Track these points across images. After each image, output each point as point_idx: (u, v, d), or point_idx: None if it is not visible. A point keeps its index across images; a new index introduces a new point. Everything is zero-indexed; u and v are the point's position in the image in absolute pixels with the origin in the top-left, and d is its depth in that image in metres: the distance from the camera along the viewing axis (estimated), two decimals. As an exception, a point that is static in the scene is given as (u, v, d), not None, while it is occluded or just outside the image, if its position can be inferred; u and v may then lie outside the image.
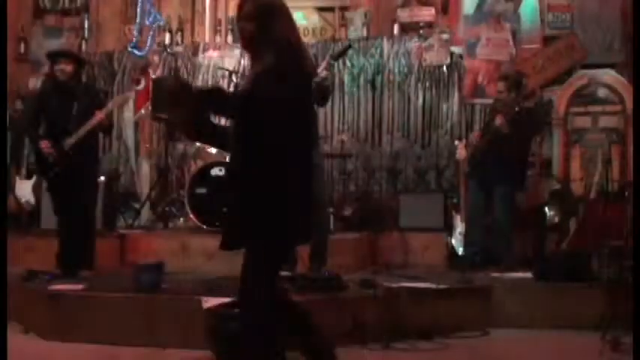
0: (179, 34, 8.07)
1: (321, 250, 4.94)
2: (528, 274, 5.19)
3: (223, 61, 7.73)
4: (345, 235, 6.31)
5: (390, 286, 4.67)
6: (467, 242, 5.81)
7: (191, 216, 6.05)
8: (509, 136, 5.52)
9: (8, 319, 4.02)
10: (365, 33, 7.63)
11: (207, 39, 8.08)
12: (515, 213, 5.77)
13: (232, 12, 8.11)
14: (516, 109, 5.60)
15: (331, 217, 6.47)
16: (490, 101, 6.99)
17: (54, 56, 5.36)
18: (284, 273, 4.71)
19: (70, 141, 5.15)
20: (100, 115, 5.17)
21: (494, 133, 5.62)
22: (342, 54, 5.56)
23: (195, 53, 7.93)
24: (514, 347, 4.33)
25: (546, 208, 6.17)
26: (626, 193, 5.04)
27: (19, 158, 7.08)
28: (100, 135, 5.65)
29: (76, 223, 5.26)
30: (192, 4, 8.21)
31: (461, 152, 6.07)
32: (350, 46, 5.59)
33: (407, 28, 7.57)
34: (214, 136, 2.93)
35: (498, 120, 5.56)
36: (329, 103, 6.37)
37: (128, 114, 7.92)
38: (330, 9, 7.96)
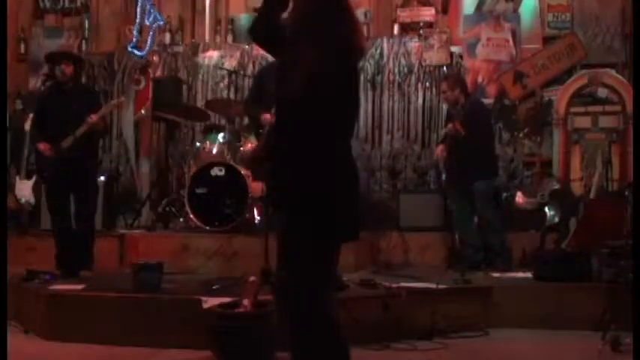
0: (179, 34, 8.07)
1: None
2: (528, 274, 5.19)
3: (223, 61, 7.74)
4: (345, 235, 6.30)
5: (390, 286, 4.67)
6: (462, 244, 5.84)
7: (191, 216, 6.05)
8: (469, 136, 5.60)
9: (8, 319, 4.03)
10: (365, 33, 7.62)
11: (207, 39, 8.08)
12: (499, 205, 5.85)
13: (232, 12, 8.14)
14: (462, 104, 5.78)
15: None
16: (490, 101, 7.01)
17: (53, 58, 5.36)
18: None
19: (66, 142, 5.16)
20: (93, 119, 5.18)
21: (453, 138, 5.70)
22: None
23: (195, 53, 7.93)
24: (514, 347, 4.33)
25: (546, 208, 6.18)
26: (626, 193, 5.03)
27: (19, 158, 7.08)
28: (98, 135, 5.66)
29: (76, 224, 5.27)
30: (192, 4, 8.20)
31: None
32: None
33: (407, 28, 7.57)
34: None
35: (453, 127, 5.65)
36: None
37: (128, 114, 7.92)
38: (330, 9, 7.93)
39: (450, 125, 5.77)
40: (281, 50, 2.73)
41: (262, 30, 2.72)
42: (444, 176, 6.15)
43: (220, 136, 6.46)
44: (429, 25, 7.52)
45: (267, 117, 4.79)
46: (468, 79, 7.17)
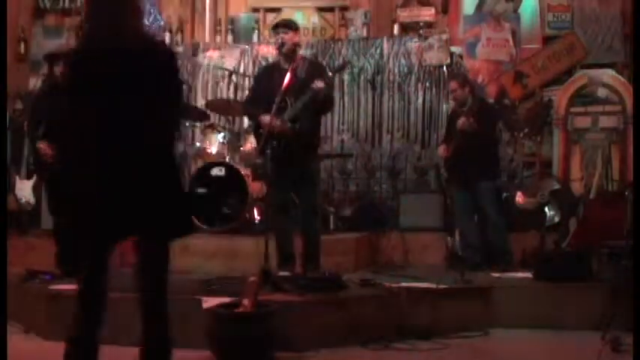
0: (179, 34, 8.07)
1: (312, 250, 4.95)
2: (528, 274, 5.19)
3: (223, 61, 7.73)
4: (345, 235, 6.31)
5: (390, 286, 4.67)
6: (463, 243, 5.83)
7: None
8: (476, 133, 5.58)
9: (8, 319, 4.02)
10: (365, 33, 7.63)
11: (207, 39, 8.07)
12: (502, 205, 5.84)
13: (232, 12, 8.14)
14: (472, 102, 5.79)
15: (331, 217, 6.48)
16: (490, 101, 7.00)
17: (52, 58, 5.36)
18: (283, 273, 4.73)
19: None
20: None
21: (461, 135, 5.67)
22: (340, 70, 5.68)
23: (195, 53, 7.93)
24: (514, 347, 4.32)
25: (546, 208, 6.18)
26: (626, 193, 5.03)
27: (19, 158, 7.07)
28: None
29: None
30: (192, 4, 8.20)
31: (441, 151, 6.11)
32: (348, 63, 5.64)
33: (407, 28, 7.57)
34: None
35: (462, 122, 5.61)
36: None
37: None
38: (330, 9, 7.96)
39: (462, 119, 5.66)
40: None
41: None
42: (443, 174, 6.12)
43: (220, 136, 6.47)
44: (429, 25, 7.52)
45: (265, 118, 4.79)
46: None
